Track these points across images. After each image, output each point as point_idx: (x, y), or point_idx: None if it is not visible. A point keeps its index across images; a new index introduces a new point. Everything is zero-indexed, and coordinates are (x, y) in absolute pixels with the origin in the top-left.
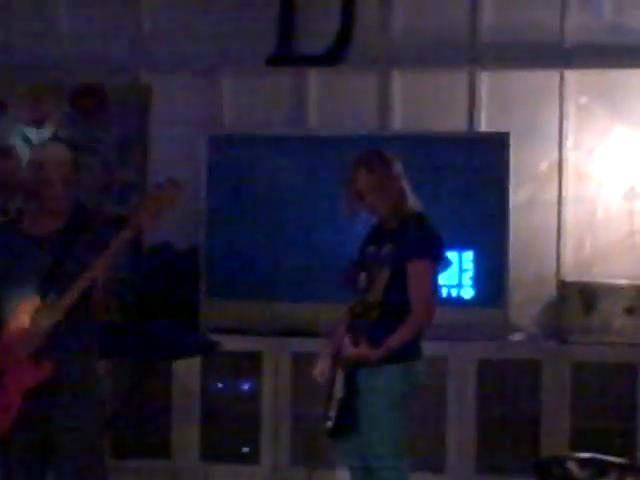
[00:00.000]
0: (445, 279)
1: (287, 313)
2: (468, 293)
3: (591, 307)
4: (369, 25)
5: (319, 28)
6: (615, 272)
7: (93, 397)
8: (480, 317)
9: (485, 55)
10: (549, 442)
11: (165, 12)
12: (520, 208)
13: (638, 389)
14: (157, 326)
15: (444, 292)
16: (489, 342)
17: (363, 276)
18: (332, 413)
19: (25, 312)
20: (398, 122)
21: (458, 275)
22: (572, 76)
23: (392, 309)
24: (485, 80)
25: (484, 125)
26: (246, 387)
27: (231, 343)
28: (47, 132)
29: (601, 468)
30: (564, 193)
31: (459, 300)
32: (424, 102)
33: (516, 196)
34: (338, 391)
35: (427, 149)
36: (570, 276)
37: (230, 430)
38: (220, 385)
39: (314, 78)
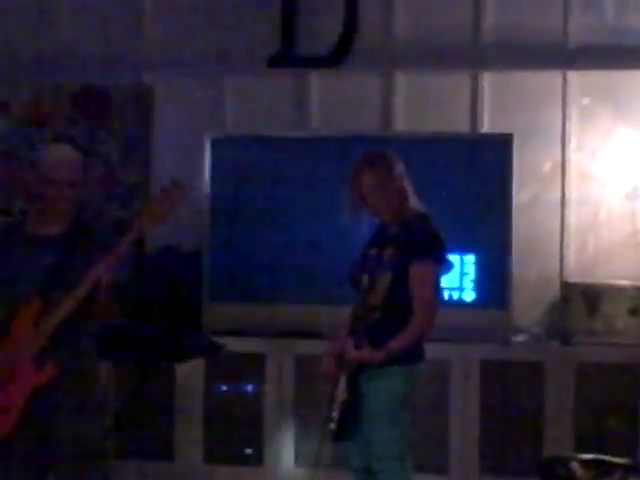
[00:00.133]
0: (448, 281)
1: (290, 315)
2: (470, 296)
3: (594, 308)
4: (372, 26)
5: (321, 29)
6: (618, 273)
7: (94, 399)
8: (483, 319)
9: (488, 56)
10: (552, 443)
11: (167, 14)
12: (523, 209)
13: None
14: (160, 328)
15: (446, 295)
16: (492, 344)
17: (365, 278)
18: (335, 415)
19: (28, 313)
20: (400, 123)
21: (460, 277)
22: (575, 77)
23: (394, 311)
24: (488, 81)
25: (487, 126)
26: (249, 389)
27: (234, 345)
28: (49, 133)
29: (604, 469)
30: (567, 194)
31: (462, 302)
32: (427, 103)
33: (519, 197)
34: (341, 393)
35: (429, 150)
36: (573, 277)
37: (233, 432)
38: (223, 387)
39: (316, 79)
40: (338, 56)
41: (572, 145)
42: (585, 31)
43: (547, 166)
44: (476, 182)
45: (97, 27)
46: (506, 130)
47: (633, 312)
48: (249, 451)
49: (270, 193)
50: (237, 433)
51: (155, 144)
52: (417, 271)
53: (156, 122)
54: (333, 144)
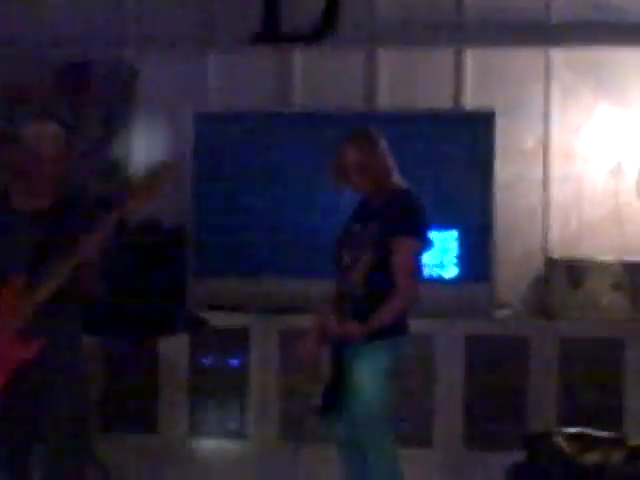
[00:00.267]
0: (431, 257)
1: (274, 289)
2: (453, 271)
3: (578, 284)
4: (355, 3)
5: (304, 6)
6: (601, 249)
7: (79, 374)
8: (466, 294)
9: (471, 33)
10: (537, 417)
11: None
12: (506, 185)
13: (624, 364)
14: (144, 303)
15: (430, 271)
16: (476, 319)
17: (347, 255)
18: (319, 390)
19: (13, 289)
20: (384, 99)
21: (443, 253)
22: (557, 54)
23: (377, 287)
24: (471, 58)
25: (470, 103)
26: (234, 363)
27: (218, 320)
28: (32, 109)
29: (589, 442)
30: (550, 170)
31: (445, 278)
32: (410, 80)
33: (502, 173)
34: (325, 368)
35: (412, 127)
36: (556, 253)
37: (217, 406)
38: (208, 361)
39: (299, 56)
40: (321, 32)
41: (555, 122)
42: (567, 8)
43: (530, 142)
44: (459, 158)
45: (79, 4)
46: (489, 107)
47: (616, 287)
48: (234, 425)
49: (253, 169)
50: (221, 407)
51: (138, 120)
52: (399, 247)
53: (139, 98)
54: (316, 120)
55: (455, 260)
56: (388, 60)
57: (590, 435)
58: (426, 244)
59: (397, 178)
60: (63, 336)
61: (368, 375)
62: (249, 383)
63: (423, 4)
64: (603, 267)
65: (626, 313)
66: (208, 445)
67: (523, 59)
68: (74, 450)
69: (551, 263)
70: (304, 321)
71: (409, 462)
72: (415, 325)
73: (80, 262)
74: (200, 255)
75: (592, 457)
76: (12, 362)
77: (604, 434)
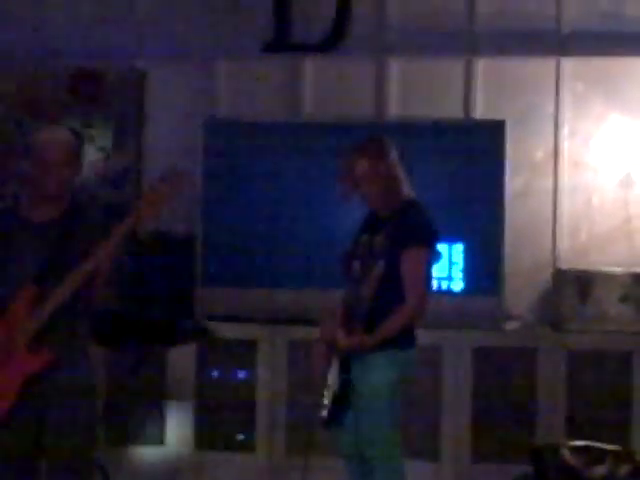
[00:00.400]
0: (440, 269)
1: (284, 300)
2: (463, 282)
3: (586, 295)
4: (365, 12)
5: (315, 15)
6: (611, 260)
7: (89, 385)
8: (475, 305)
9: (482, 42)
10: (544, 430)
11: None
12: (516, 196)
13: (633, 377)
14: (152, 313)
15: (439, 281)
16: (484, 330)
17: (357, 266)
18: (326, 402)
19: (24, 299)
20: (394, 109)
21: (453, 265)
22: (568, 64)
23: (387, 298)
24: (481, 67)
25: (480, 113)
26: (242, 375)
27: (226, 330)
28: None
29: (596, 456)
30: (560, 181)
31: (454, 289)
32: (420, 89)
33: (512, 183)
34: (332, 380)
35: (422, 136)
36: (566, 264)
37: (225, 418)
38: (216, 373)
39: (310, 65)
40: (332, 42)
41: (565, 132)
42: (578, 17)
43: (540, 153)
44: (469, 168)
45: (91, 12)
46: (499, 117)
47: (625, 299)
48: (241, 437)
49: (263, 178)
50: (229, 419)
51: (149, 129)
52: (409, 257)
53: (150, 107)
54: (326, 130)
55: (463, 272)
56: (398, 69)
57: (597, 448)
58: (435, 256)
59: (407, 189)
60: (73, 348)
61: (375, 387)
62: (257, 395)
63: (433, 13)
64: (612, 279)
65: (634, 325)
66: (215, 458)
67: (534, 69)
68: (82, 463)
69: (560, 274)
70: (312, 332)
71: (416, 475)
72: (423, 337)
73: (91, 272)
74: (209, 265)
75: (599, 470)
76: (22, 374)
77: (611, 447)
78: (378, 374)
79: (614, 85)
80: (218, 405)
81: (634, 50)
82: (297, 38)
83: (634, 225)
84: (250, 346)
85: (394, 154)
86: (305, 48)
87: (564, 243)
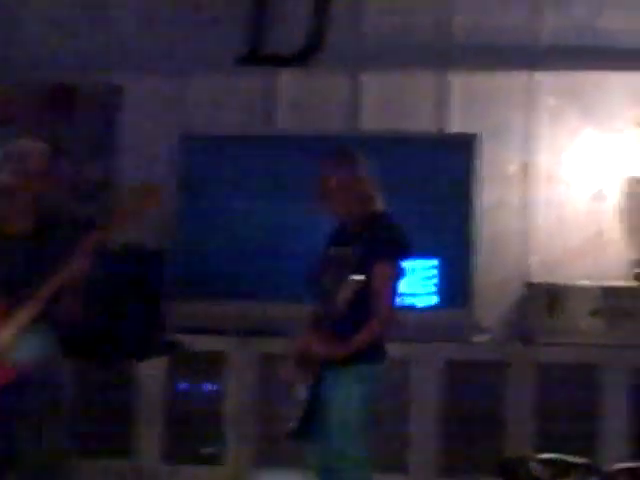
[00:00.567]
0: (411, 282)
1: (253, 313)
2: (433, 295)
3: (557, 308)
4: (340, 26)
5: (290, 28)
6: (582, 274)
7: (59, 398)
8: (445, 319)
9: (455, 56)
10: (513, 443)
11: (135, 12)
12: (489, 209)
13: (602, 390)
14: (121, 326)
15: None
16: (454, 343)
17: (327, 278)
18: (296, 414)
19: None
20: (368, 122)
21: (424, 278)
22: (542, 78)
23: (357, 311)
24: (455, 81)
25: (454, 126)
26: (211, 387)
27: (197, 343)
28: (14, 130)
29: (564, 468)
30: (532, 195)
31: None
32: (394, 103)
33: (485, 197)
34: (302, 392)
35: (396, 150)
36: (536, 277)
37: (194, 430)
38: (185, 385)
39: (284, 78)
40: (306, 55)
41: (538, 146)
42: (553, 32)
43: (513, 167)
44: (442, 181)
45: (65, 26)
46: (473, 130)
47: (595, 312)
48: (210, 450)
49: (236, 191)
50: (198, 432)
51: (122, 142)
52: (379, 269)
53: (123, 120)
54: (300, 143)
55: (435, 287)
56: (372, 83)
57: (565, 461)
58: (403, 270)
59: (378, 202)
60: (45, 360)
61: (345, 400)
62: (226, 407)
63: (408, 27)
64: (582, 292)
65: (605, 338)
66: (184, 471)
67: (507, 83)
68: (48, 475)
69: (531, 287)
70: (282, 344)
71: None
72: (393, 350)
73: (62, 285)
74: (179, 278)
75: None
76: None
77: (579, 460)
78: (348, 388)
79: (587, 99)
80: (187, 418)
81: (607, 64)
82: (271, 51)
83: (606, 239)
84: (219, 359)
85: (365, 166)
86: (279, 61)
87: (535, 256)
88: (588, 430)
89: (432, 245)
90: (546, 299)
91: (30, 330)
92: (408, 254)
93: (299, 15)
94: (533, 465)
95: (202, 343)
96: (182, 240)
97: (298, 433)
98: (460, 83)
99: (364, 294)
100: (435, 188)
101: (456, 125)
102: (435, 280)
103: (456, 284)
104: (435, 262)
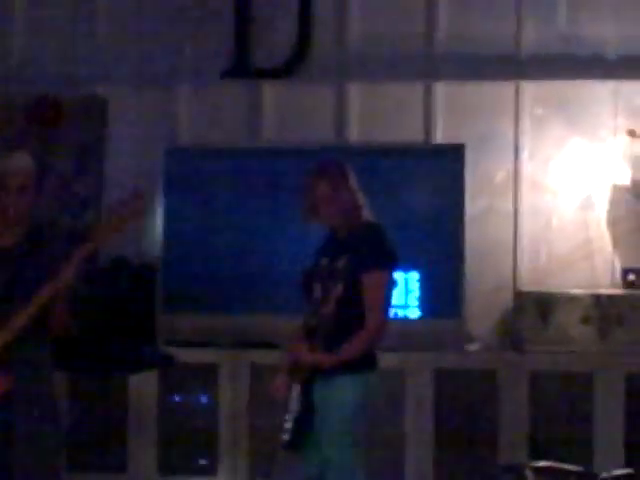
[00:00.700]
0: (400, 292)
1: (245, 325)
2: (424, 304)
3: (547, 316)
4: (325, 38)
5: (275, 41)
6: (571, 282)
7: (50, 412)
8: (436, 328)
9: (441, 67)
10: (507, 451)
11: (121, 26)
12: (476, 218)
13: (594, 397)
14: (113, 340)
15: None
16: (445, 352)
17: (317, 288)
18: (288, 425)
19: None
20: (354, 134)
21: (414, 288)
22: (527, 87)
23: (347, 321)
24: (441, 92)
25: (440, 137)
26: (204, 400)
27: (188, 356)
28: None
29: (558, 476)
30: (520, 203)
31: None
32: (380, 114)
33: (472, 206)
34: (294, 403)
35: (383, 161)
36: (526, 286)
37: (187, 443)
38: (177, 398)
39: (270, 91)
40: (291, 67)
41: (525, 155)
42: (537, 41)
43: (500, 176)
44: (429, 191)
45: (51, 39)
46: (459, 140)
47: (585, 320)
48: (203, 462)
49: (223, 204)
50: (191, 444)
51: (109, 156)
52: (369, 279)
53: (110, 134)
54: (287, 155)
55: (424, 295)
56: (358, 94)
57: (559, 469)
58: (395, 280)
59: (366, 212)
60: (34, 374)
61: (337, 410)
62: (219, 419)
63: (393, 38)
64: (572, 300)
65: (595, 346)
66: None
67: (493, 92)
68: None
69: (520, 296)
70: (274, 356)
71: None
72: (384, 359)
73: (50, 298)
74: (170, 291)
75: None
76: None
77: (573, 467)
78: (341, 397)
79: (573, 108)
80: (180, 430)
81: (593, 73)
82: (257, 64)
83: (594, 247)
84: (212, 371)
85: (352, 177)
86: (265, 73)
87: (524, 265)
88: (581, 437)
89: (420, 255)
90: (536, 307)
91: (19, 343)
92: (397, 264)
93: (283, 27)
94: (528, 473)
95: (194, 355)
96: (171, 253)
97: (291, 444)
98: (446, 93)
99: (353, 303)
100: (422, 198)
101: (442, 135)
102: (420, 291)
103: (446, 294)
104: (424, 272)
